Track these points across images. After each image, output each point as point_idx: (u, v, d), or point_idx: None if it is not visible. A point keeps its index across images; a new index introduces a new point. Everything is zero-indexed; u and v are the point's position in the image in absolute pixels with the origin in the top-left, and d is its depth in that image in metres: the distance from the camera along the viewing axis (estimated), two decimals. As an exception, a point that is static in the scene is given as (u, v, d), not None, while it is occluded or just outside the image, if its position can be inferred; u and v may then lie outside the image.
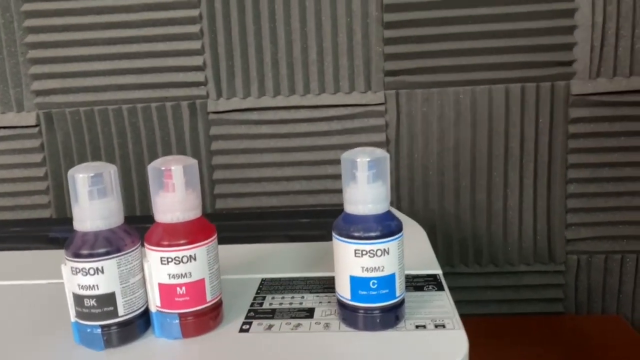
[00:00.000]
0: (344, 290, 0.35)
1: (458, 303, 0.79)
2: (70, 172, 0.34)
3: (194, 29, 0.74)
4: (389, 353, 0.32)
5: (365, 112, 0.75)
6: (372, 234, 0.34)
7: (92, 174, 0.34)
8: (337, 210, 0.67)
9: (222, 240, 0.55)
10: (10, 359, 0.34)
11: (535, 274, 0.78)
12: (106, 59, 0.75)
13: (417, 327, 0.35)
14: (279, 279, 0.44)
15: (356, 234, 0.34)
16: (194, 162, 0.36)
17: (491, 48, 0.72)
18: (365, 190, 0.34)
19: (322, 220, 0.63)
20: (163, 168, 0.34)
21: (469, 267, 0.78)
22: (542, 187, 0.75)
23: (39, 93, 0.77)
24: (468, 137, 0.75)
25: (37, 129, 0.78)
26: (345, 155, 0.35)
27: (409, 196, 0.77)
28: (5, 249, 0.57)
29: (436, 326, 0.35)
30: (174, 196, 0.35)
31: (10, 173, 0.79)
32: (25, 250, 0.56)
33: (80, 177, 0.33)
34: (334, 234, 0.36)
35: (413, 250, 0.49)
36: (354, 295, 0.35)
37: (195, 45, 0.74)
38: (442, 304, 0.38)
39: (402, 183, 0.77)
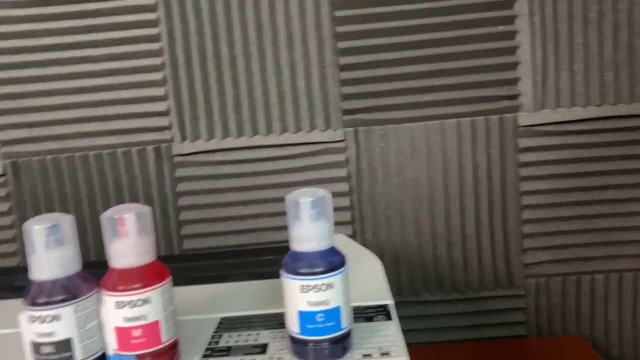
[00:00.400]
0: (293, 325, 0.37)
1: (424, 331, 0.81)
2: (26, 224, 0.36)
3: (157, 76, 0.77)
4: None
5: (327, 149, 0.78)
6: (317, 270, 0.36)
7: (48, 225, 0.35)
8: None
9: (186, 281, 0.56)
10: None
11: (496, 298, 0.80)
12: (72, 107, 0.77)
13: (364, 356, 0.37)
14: (238, 317, 0.46)
15: (302, 271, 0.36)
16: (147, 209, 0.38)
17: (441, 85, 0.76)
18: (308, 228, 0.37)
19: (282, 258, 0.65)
20: (116, 217, 0.36)
21: (433, 295, 0.81)
22: (497, 215, 0.79)
23: (5, 143, 0.78)
24: (424, 170, 0.78)
25: (3, 178, 0.79)
26: (289, 197, 0.38)
27: (372, 228, 0.80)
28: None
29: (382, 354, 0.37)
30: (128, 242, 0.36)
31: (-23, 223, 0.80)
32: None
33: (36, 229, 0.35)
34: (281, 272, 0.38)
35: (367, 281, 0.51)
36: (303, 329, 0.37)
37: (159, 91, 0.77)
38: (390, 333, 0.40)
39: (365, 216, 0.79)
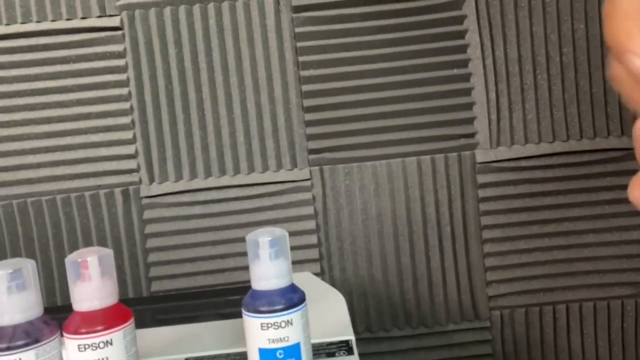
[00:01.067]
0: None
1: (394, 367, 0.82)
2: (-12, 270, 0.36)
3: (125, 120, 0.78)
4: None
5: (293, 188, 0.80)
6: (276, 307, 0.37)
7: (10, 271, 0.36)
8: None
9: (153, 323, 0.57)
10: None
11: (463, 331, 0.82)
12: (40, 152, 0.78)
13: (323, 392, 0.38)
14: (202, 357, 0.46)
15: (261, 309, 0.38)
16: (109, 252, 0.39)
17: (402, 125, 0.80)
18: (267, 266, 0.38)
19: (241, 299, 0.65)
20: (79, 260, 0.37)
21: (401, 330, 0.82)
22: (460, 248, 0.81)
23: (-29, 188, 0.78)
24: (388, 206, 0.81)
25: (-32, 223, 0.78)
26: (249, 237, 0.39)
27: (340, 264, 0.81)
28: None
29: (341, 390, 0.38)
30: (90, 285, 0.37)
31: (-61, 269, 0.78)
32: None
33: (-1, 274, 0.36)
34: (242, 310, 0.39)
35: (329, 318, 0.52)
36: None
37: (127, 135, 0.78)
38: (350, 367, 0.42)
39: (332, 252, 0.81)
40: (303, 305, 0.39)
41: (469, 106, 0.80)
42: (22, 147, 0.78)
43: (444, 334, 0.82)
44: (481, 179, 0.81)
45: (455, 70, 0.80)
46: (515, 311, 0.82)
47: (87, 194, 0.79)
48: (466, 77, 0.80)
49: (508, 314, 0.82)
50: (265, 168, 0.80)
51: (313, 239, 0.81)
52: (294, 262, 0.80)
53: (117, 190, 0.79)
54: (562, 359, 0.83)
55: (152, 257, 0.80)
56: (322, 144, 0.80)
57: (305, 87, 0.79)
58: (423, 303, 0.81)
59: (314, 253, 0.81)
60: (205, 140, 0.79)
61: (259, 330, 0.37)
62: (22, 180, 0.78)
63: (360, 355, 0.38)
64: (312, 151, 0.80)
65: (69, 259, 0.38)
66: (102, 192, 0.79)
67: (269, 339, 0.37)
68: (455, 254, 0.81)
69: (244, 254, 0.80)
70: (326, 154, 0.80)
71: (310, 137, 0.80)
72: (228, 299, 0.66)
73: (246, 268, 0.81)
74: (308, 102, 0.79)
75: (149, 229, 0.80)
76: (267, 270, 0.38)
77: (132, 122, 0.78)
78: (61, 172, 0.78)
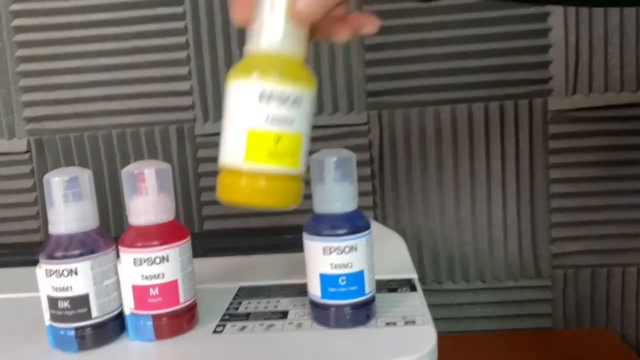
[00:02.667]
0: (314, 288, 0.36)
1: (446, 320, 0.79)
2: (46, 176, 0.35)
3: (181, 55, 0.76)
4: (359, 348, 0.33)
5: (349, 132, 0.77)
6: (340, 232, 0.35)
7: (67, 178, 0.35)
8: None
9: (205, 253, 0.55)
10: (-16, 363, 0.35)
11: (522, 289, 0.78)
12: (96, 85, 0.77)
13: (387, 324, 0.36)
14: (257, 287, 0.45)
15: (325, 232, 0.35)
16: (167, 166, 0.37)
17: (469, 68, 0.74)
18: (332, 189, 0.35)
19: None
20: (136, 172, 0.36)
21: (456, 284, 0.78)
22: (525, 203, 0.76)
23: (30, 120, 0.79)
24: (450, 155, 0.76)
25: (27, 155, 0.79)
26: (314, 157, 0.36)
27: (395, 214, 0.78)
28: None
29: (406, 323, 0.36)
30: (147, 199, 0.36)
31: (1, 199, 0.80)
32: (11, 268, 0.56)
33: (56, 181, 0.35)
34: (304, 234, 0.37)
35: (391, 258, 0.50)
36: (324, 293, 0.35)
37: (182, 70, 0.77)
38: (414, 303, 0.39)
39: (387, 201, 0.78)
40: (368, 231, 0.36)
41: (545, 49, 0.74)
42: (79, 80, 0.77)
43: (501, 290, 0.78)
44: (553, 129, 0.75)
45: (532, 9, 0.73)
46: (580, 271, 0.77)
47: (142, 129, 0.78)
48: (543, 17, 0.73)
49: (572, 274, 0.77)
50: (320, 110, 0.77)
51: (367, 187, 0.78)
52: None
53: (172, 127, 0.78)
54: (629, 324, 0.77)
55: (206, 197, 0.79)
56: (382, 86, 0.76)
57: (367, 24, 0.74)
58: (481, 257, 0.77)
59: (367, 201, 0.78)
60: (260, 78, 0.76)
61: (320, 255, 0.35)
62: (79, 113, 0.78)
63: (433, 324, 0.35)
64: (371, 94, 0.76)
65: (126, 170, 0.36)
66: (156, 128, 0.78)
67: (331, 264, 0.35)
68: (519, 208, 0.76)
69: (296, 197, 0.78)
70: (386, 97, 0.76)
71: (370, 79, 0.76)
72: (282, 237, 0.64)
73: (297, 212, 0.79)
74: (369, 40, 0.75)
75: (203, 167, 0.78)
76: (332, 193, 0.35)
77: (188, 57, 0.76)
78: (117, 106, 0.78)
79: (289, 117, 0.28)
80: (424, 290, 0.78)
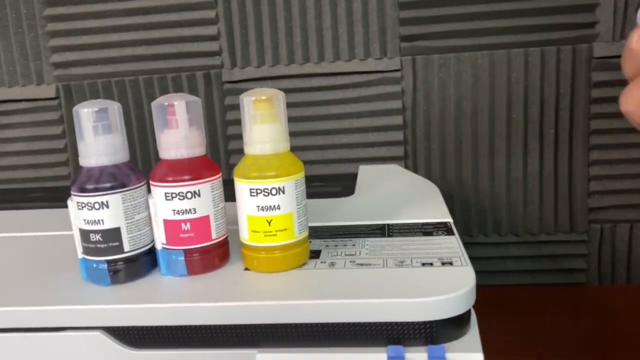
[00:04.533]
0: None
1: (478, 273, 0.78)
2: (75, 107, 0.34)
3: (208, -3, 0.74)
4: (396, 285, 0.32)
5: (381, 79, 0.74)
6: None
7: (96, 109, 0.34)
8: (351, 174, 0.66)
9: (233, 198, 0.55)
10: (19, 293, 0.35)
11: (556, 243, 0.76)
12: (122, 30, 0.76)
13: (423, 264, 0.35)
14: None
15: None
16: (197, 99, 0.35)
17: (509, 11, 0.70)
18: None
19: (334, 183, 0.62)
20: (166, 104, 0.34)
21: (488, 237, 0.77)
22: (563, 154, 0.73)
23: (58, 66, 0.78)
24: (486, 103, 0.73)
25: (56, 101, 0.79)
26: (157, 101, 0.36)
27: (426, 165, 0.76)
28: (25, 208, 0.58)
29: (443, 264, 0.35)
30: (178, 132, 0.34)
31: (32, 145, 0.81)
32: (44, 209, 0.57)
33: (85, 112, 0.34)
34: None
35: (425, 203, 0.48)
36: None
37: (209, 14, 0.74)
38: (451, 246, 0.38)
39: (419, 152, 0.76)
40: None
41: (592, -10, 0.69)
42: (105, 25, 0.76)
43: (534, 244, 0.76)
44: (596, 76, 0.71)
45: (580, -55, 0.68)
46: (617, 226, 0.75)
47: (169, 75, 0.77)
48: (593, -46, 0.68)
49: (609, 229, 0.75)
50: (352, 56, 0.74)
51: (399, 136, 0.75)
52: (378, 160, 0.76)
53: (199, 74, 0.76)
54: (667, 282, 0.75)
55: (233, 145, 0.78)
56: (416, 30, 0.72)
57: (403, -37, 0.71)
58: (515, 210, 0.75)
59: (399, 151, 0.76)
60: (289, 22, 0.74)
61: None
62: (106, 59, 0.77)
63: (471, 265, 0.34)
64: (404, 38, 0.73)
65: (156, 102, 0.35)
66: (184, 74, 0.77)
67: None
68: (557, 159, 0.74)
69: (324, 147, 0.77)
70: (420, 41, 0.73)
71: (404, 22, 0.72)
72: (309, 184, 0.63)
73: (326, 162, 0.77)
74: (404, -19, 0.71)
75: (230, 115, 0.77)
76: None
77: (215, 0, 0.74)
78: (143, 51, 0.76)
79: (276, 204, 0.34)
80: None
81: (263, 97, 0.34)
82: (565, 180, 0.74)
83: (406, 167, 0.76)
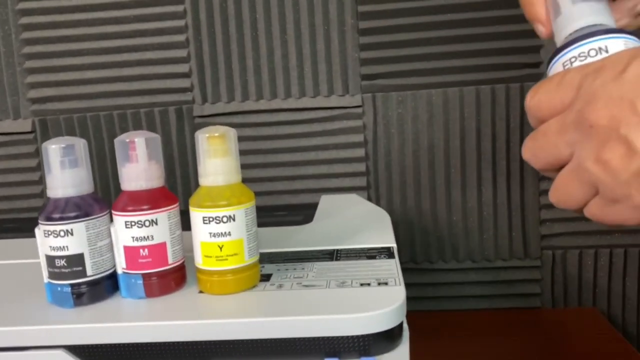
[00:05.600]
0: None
1: (437, 299, 0.81)
2: (44, 144, 0.37)
3: (180, 37, 0.78)
4: (335, 303, 0.35)
5: (344, 115, 0.79)
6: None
7: (63, 145, 0.37)
8: (314, 204, 0.70)
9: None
10: (-13, 316, 0.37)
11: (511, 269, 0.80)
12: (98, 67, 0.80)
13: (361, 284, 0.38)
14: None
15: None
16: (156, 136, 0.39)
17: (462, 52, 0.76)
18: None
19: (298, 212, 0.66)
20: (127, 140, 0.38)
21: (447, 263, 0.81)
22: (515, 184, 0.78)
23: (35, 101, 0.81)
24: (441, 137, 0.78)
25: (32, 135, 0.82)
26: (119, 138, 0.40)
27: (387, 195, 0.80)
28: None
29: (379, 284, 0.38)
30: (138, 166, 0.38)
31: (7, 177, 0.83)
32: (16, 239, 0.59)
33: (53, 148, 0.37)
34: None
35: (374, 229, 0.52)
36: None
37: (181, 53, 0.79)
38: (389, 268, 0.41)
39: (380, 182, 0.80)
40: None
41: (534, 34, 0.75)
42: (82, 62, 0.80)
43: (491, 270, 0.80)
44: (543, 112, 0.76)
45: (523, -7, 0.74)
46: (568, 252, 0.79)
47: (142, 110, 0.81)
48: (535, 1, 0.74)
49: (560, 255, 0.79)
50: (316, 93, 0.79)
51: (361, 167, 0.80)
52: (342, 190, 0.80)
53: (171, 109, 0.80)
54: (616, 304, 0.79)
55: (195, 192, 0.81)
56: (376, 70, 0.78)
57: (362, 8, 0.76)
58: (471, 237, 0.80)
59: (361, 181, 0.80)
60: (257, 62, 0.79)
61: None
62: (81, 95, 0.81)
63: (404, 285, 0.38)
64: (365, 77, 0.78)
65: (118, 139, 0.38)
66: (156, 109, 0.80)
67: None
68: (510, 189, 0.78)
69: (292, 177, 0.81)
70: (380, 80, 0.78)
71: (364, 62, 0.77)
72: (273, 214, 0.66)
73: (293, 192, 0.81)
74: (364, 24, 0.76)
75: (201, 148, 0.81)
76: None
77: (187, 40, 0.78)
78: (118, 88, 0.80)
79: (227, 230, 0.38)
80: (416, 270, 0.81)
81: (216, 134, 0.38)
82: (518, 209, 0.79)
83: (369, 196, 0.80)
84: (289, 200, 0.81)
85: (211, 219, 0.37)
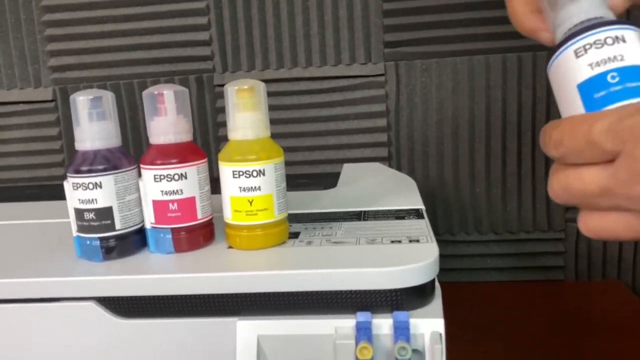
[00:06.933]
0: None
1: (458, 271, 0.81)
2: (72, 96, 0.37)
3: (200, 4, 0.77)
4: (366, 257, 0.35)
5: (366, 83, 0.78)
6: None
7: (91, 97, 0.37)
8: (336, 173, 0.69)
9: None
10: (16, 268, 0.37)
11: (535, 241, 0.79)
12: (118, 35, 0.79)
13: (392, 242, 0.37)
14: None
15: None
16: (185, 89, 0.38)
17: (489, 18, 0.74)
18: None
19: (319, 180, 0.65)
20: (156, 92, 0.37)
21: (469, 235, 0.80)
22: (540, 155, 0.77)
23: (55, 69, 0.81)
24: (466, 106, 0.76)
25: (53, 103, 0.82)
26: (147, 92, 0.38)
27: (409, 166, 0.79)
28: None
29: (410, 241, 0.37)
30: (166, 119, 0.37)
31: (29, 146, 0.83)
32: (39, 201, 0.59)
33: (81, 100, 0.37)
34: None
35: (400, 193, 0.51)
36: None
37: (201, 20, 0.78)
38: (419, 227, 0.40)
39: (402, 153, 0.79)
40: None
41: None
42: (102, 30, 0.79)
43: (513, 242, 0.79)
44: (571, 81, 0.74)
45: (553, -43, 0.72)
46: (594, 225, 0.77)
47: (162, 79, 0.80)
48: (565, -35, 0.72)
49: (586, 227, 0.78)
50: (338, 61, 0.78)
51: (383, 137, 0.79)
52: (363, 160, 0.79)
53: (192, 78, 0.80)
54: (639, 276, 0.78)
55: (224, 145, 0.81)
56: (399, 37, 0.76)
57: (386, -27, 0.74)
58: (494, 209, 0.78)
59: (382, 152, 0.79)
60: (278, 29, 0.77)
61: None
62: (101, 63, 0.80)
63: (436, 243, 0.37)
64: (388, 44, 0.76)
65: (147, 92, 0.38)
66: (177, 78, 0.80)
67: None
68: (534, 160, 0.77)
69: (312, 148, 0.80)
70: (403, 47, 0.76)
71: (388, 29, 0.76)
72: (295, 181, 0.66)
73: (313, 162, 0.80)
74: (387, -10, 0.75)
75: (222, 117, 0.80)
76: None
77: (207, 7, 0.77)
78: (138, 56, 0.80)
79: (257, 185, 0.37)
80: (437, 241, 0.80)
81: (245, 87, 0.37)
82: (543, 180, 0.77)
83: (390, 167, 0.79)
84: (309, 170, 0.80)
85: (241, 173, 0.37)
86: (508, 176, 0.77)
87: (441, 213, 0.79)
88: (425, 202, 0.80)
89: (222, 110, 0.80)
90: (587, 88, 0.29)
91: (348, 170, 0.67)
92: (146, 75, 0.80)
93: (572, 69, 0.30)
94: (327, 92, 0.79)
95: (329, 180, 0.62)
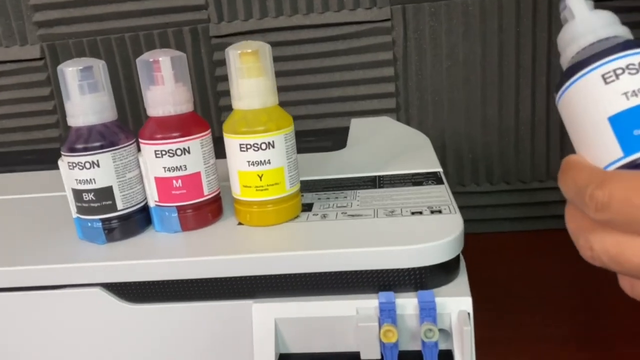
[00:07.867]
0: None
1: (470, 222, 0.79)
2: (60, 67, 0.34)
3: (191, -52, 0.72)
4: (387, 233, 0.33)
5: (371, 30, 0.73)
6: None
7: (81, 67, 0.33)
8: (343, 128, 0.66)
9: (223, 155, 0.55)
10: (18, 253, 0.35)
11: (548, 190, 0.77)
12: (105, -15, 0.74)
13: (412, 213, 0.35)
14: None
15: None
16: (182, 54, 0.35)
17: (501, -46, 0.69)
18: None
19: (326, 137, 0.62)
20: (151, 60, 0.34)
21: (480, 186, 0.78)
22: (554, 101, 0.73)
23: (41, 25, 0.76)
24: (478, 51, 0.72)
25: (42, 62, 0.78)
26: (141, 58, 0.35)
27: (418, 116, 0.76)
28: (19, 171, 0.58)
29: (432, 212, 0.35)
30: (164, 89, 0.34)
31: (21, 107, 0.80)
32: (36, 171, 0.57)
33: (70, 71, 0.33)
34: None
35: (415, 153, 0.48)
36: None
37: (193, -34, 0.72)
38: (440, 195, 0.38)
39: (411, 102, 0.75)
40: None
41: None
42: (87, -20, 0.74)
43: (526, 191, 0.77)
44: (590, 20, 0.70)
45: None
46: (609, 172, 0.75)
47: (155, 32, 0.75)
48: None
49: (601, 175, 0.75)
50: (341, 6, 0.73)
51: (390, 87, 0.75)
52: (370, 113, 0.76)
53: (186, 29, 0.75)
54: (655, 224, 0.76)
55: (224, 101, 0.77)
56: (406, -22, 0.71)
57: None
58: (507, 158, 0.76)
59: (390, 103, 0.75)
60: (276, -27, 0.72)
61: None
62: (89, 16, 0.75)
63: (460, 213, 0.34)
64: (394, -14, 0.71)
65: (141, 59, 0.34)
66: (170, 30, 0.75)
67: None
68: (549, 107, 0.73)
69: (316, 100, 0.76)
70: (410, -11, 0.71)
71: (394, -31, 0.71)
72: (301, 139, 0.63)
73: (318, 116, 0.77)
74: None
75: (220, 71, 0.76)
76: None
77: (198, -50, 0.72)
78: (128, 7, 0.74)
79: (266, 158, 0.34)
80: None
81: (249, 50, 0.34)
82: (557, 127, 0.74)
83: (398, 119, 0.76)
84: (314, 125, 0.77)
85: (249, 146, 0.34)
86: (521, 124, 0.74)
87: (451, 164, 0.77)
88: (435, 153, 0.77)
89: (220, 63, 0.76)
90: (624, 122, 0.24)
91: (357, 127, 0.64)
92: (138, 28, 0.75)
93: (599, 97, 0.25)
94: (330, 40, 0.74)
95: (337, 138, 0.59)
